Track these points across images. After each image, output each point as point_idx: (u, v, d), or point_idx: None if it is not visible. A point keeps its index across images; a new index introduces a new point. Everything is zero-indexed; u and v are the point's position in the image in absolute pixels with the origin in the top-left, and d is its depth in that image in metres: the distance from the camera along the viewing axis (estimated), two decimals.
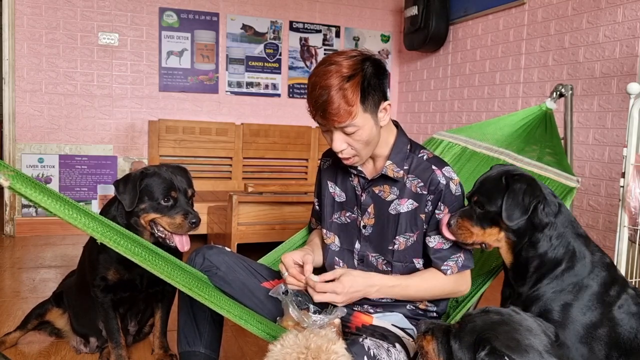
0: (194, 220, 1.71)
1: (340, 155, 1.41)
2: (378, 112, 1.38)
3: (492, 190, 1.38)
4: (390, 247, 1.47)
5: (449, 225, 1.41)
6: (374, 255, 1.50)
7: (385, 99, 1.40)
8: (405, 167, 1.45)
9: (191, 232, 1.76)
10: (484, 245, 1.43)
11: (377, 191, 1.48)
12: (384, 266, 1.48)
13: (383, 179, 1.47)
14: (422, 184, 1.44)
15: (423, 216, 1.44)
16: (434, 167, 1.44)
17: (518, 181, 1.35)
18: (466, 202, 1.47)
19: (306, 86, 1.39)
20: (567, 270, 1.35)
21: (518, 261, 1.41)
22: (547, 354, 0.98)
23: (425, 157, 1.47)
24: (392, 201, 1.46)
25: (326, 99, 1.30)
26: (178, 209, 1.73)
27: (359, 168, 1.50)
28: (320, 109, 1.32)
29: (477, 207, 1.40)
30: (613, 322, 1.31)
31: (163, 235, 1.76)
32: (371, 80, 1.34)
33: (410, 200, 1.44)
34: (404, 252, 1.46)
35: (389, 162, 1.45)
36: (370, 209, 1.49)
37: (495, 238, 1.41)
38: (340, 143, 1.37)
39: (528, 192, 1.33)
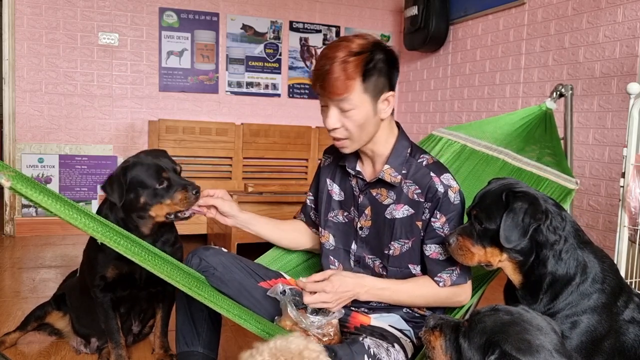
0: (194, 190, 1.65)
1: (332, 135, 1.39)
2: (379, 100, 1.36)
3: (492, 206, 1.30)
4: (386, 252, 1.45)
5: (447, 244, 1.33)
6: (370, 257, 1.48)
7: (391, 89, 1.37)
8: (403, 172, 1.42)
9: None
10: (486, 265, 1.35)
11: (374, 194, 1.46)
12: (381, 269, 1.47)
13: (381, 182, 1.44)
14: (419, 190, 1.40)
15: (420, 223, 1.41)
16: (432, 174, 1.40)
17: (519, 199, 1.27)
18: (466, 219, 1.41)
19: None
20: (581, 283, 1.29)
21: (529, 280, 1.32)
22: (557, 353, 0.97)
23: (424, 163, 1.43)
24: (388, 205, 1.44)
25: (328, 69, 1.30)
26: (175, 187, 1.69)
27: (358, 169, 1.48)
28: (321, 78, 1.31)
29: (477, 222, 1.32)
30: (620, 332, 1.28)
31: (172, 215, 1.71)
32: (378, 63, 1.32)
33: (406, 206, 1.41)
34: (399, 258, 1.44)
35: (386, 166, 1.42)
36: (368, 211, 1.47)
37: (498, 259, 1.32)
38: (334, 120, 1.35)
39: (529, 212, 1.25)
